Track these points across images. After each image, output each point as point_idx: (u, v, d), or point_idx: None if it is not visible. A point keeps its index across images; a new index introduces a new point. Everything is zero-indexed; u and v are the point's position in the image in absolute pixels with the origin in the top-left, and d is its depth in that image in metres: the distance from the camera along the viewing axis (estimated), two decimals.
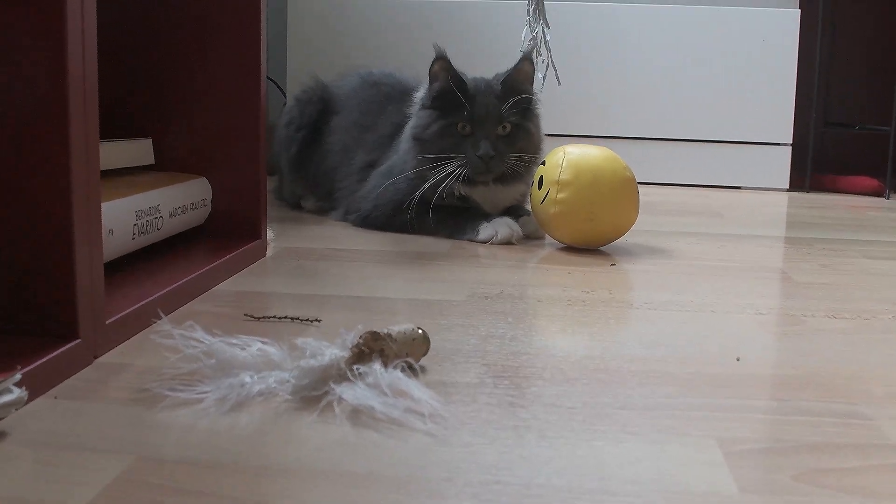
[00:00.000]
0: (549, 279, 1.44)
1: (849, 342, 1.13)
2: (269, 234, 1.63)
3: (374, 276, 1.42)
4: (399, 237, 1.77)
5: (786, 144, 2.81)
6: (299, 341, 0.92)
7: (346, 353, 0.91)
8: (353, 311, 1.21)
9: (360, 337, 0.93)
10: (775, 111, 2.79)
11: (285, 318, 1.16)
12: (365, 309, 1.22)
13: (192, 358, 0.92)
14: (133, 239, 1.26)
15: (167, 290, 1.17)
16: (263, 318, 1.16)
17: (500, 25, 2.78)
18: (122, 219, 1.23)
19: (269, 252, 1.57)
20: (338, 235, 1.78)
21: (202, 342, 0.93)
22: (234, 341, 0.94)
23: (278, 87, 3.12)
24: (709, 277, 1.49)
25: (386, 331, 0.95)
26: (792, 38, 2.76)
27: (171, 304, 1.18)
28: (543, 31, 2.15)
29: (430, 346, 0.99)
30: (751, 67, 2.78)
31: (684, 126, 2.82)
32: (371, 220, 1.82)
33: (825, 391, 0.94)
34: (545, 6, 2.16)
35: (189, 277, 1.25)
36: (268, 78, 3.20)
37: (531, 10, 2.15)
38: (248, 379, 0.89)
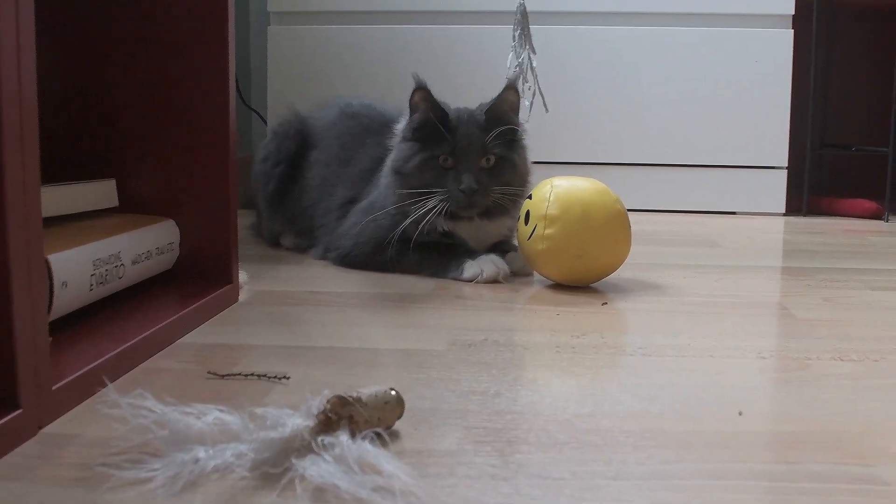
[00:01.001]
0: (536, 322, 1.36)
1: (858, 389, 1.05)
2: (243, 276, 1.55)
3: (351, 323, 1.34)
4: (380, 277, 1.69)
5: (781, 168, 2.73)
6: (259, 410, 0.83)
7: (311, 422, 0.83)
8: (325, 364, 1.13)
9: (327, 402, 0.85)
10: (770, 134, 2.72)
11: (252, 375, 1.08)
12: (338, 362, 1.14)
13: (143, 429, 0.83)
14: (91, 290, 1.18)
15: (125, 346, 1.09)
16: (228, 375, 1.08)
17: (486, 52, 2.70)
18: (78, 269, 1.15)
19: (241, 297, 1.49)
20: (316, 276, 1.70)
21: (153, 411, 0.85)
22: (189, 410, 0.85)
23: (262, 118, 3.05)
24: (706, 316, 1.41)
25: (355, 394, 0.87)
26: (785, 59, 2.69)
27: (129, 362, 1.10)
28: (529, 58, 2.08)
29: (406, 408, 0.91)
30: (744, 89, 2.71)
31: (676, 151, 2.74)
32: (351, 259, 1.74)
33: (837, 450, 0.86)
34: (531, 31, 2.09)
35: (151, 331, 1.16)
36: (252, 109, 3.14)
37: (516, 35, 2.08)
38: (202, 454, 0.81)
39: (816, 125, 2.86)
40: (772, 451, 0.86)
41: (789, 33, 2.68)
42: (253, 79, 3.41)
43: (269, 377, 1.07)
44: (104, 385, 0.97)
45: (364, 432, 0.83)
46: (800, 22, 2.71)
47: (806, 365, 1.14)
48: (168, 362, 1.14)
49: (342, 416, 0.84)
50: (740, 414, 0.96)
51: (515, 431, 0.90)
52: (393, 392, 0.89)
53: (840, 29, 3.12)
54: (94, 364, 1.01)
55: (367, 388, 0.88)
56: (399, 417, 0.90)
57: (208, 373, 1.08)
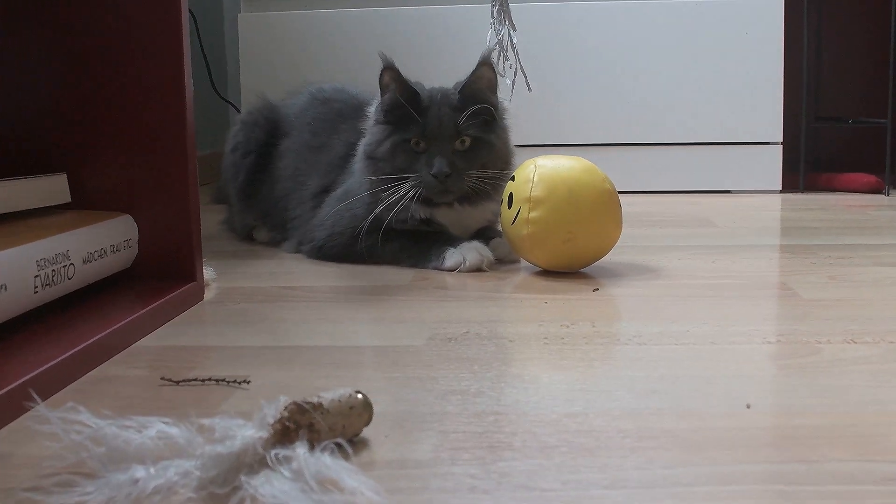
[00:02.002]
0: (523, 312, 1.27)
1: (876, 375, 0.96)
2: (209, 273, 1.45)
3: (324, 319, 1.24)
4: (357, 269, 1.59)
5: (776, 143, 2.63)
6: (206, 421, 0.74)
7: (265, 433, 0.73)
8: (291, 365, 1.03)
9: (284, 409, 0.75)
10: (763, 108, 2.61)
11: (209, 380, 0.98)
12: (306, 363, 1.04)
13: (77, 447, 0.73)
14: (35, 293, 1.08)
15: (70, 353, 0.99)
16: (183, 381, 0.98)
17: (465, 31, 2.60)
18: (19, 271, 1.05)
19: (207, 295, 1.39)
20: (289, 271, 1.59)
21: (88, 426, 0.75)
22: (129, 423, 0.76)
23: (235, 108, 2.95)
24: (705, 300, 1.31)
25: (316, 399, 0.77)
26: (777, 30, 2.58)
27: (74, 371, 1.00)
28: (510, 34, 1.97)
29: (376, 411, 0.81)
30: (735, 63, 2.61)
31: (666, 129, 2.65)
32: (326, 251, 1.64)
33: (860, 446, 0.76)
34: (510, 7, 1.98)
35: (102, 335, 1.07)
36: (226, 101, 3.04)
37: (495, 11, 1.97)
38: (142, 473, 0.71)
39: (811, 97, 2.76)
40: (786, 448, 0.77)
41: (780, 2, 2.58)
42: (229, 70, 3.31)
43: (229, 382, 0.97)
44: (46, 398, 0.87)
45: (326, 443, 0.73)
46: None
47: (817, 349, 1.05)
48: (119, 369, 1.04)
49: (301, 424, 0.74)
50: (748, 407, 0.86)
51: (498, 435, 0.80)
52: (359, 395, 0.80)
53: None
54: (32, 375, 0.91)
55: (330, 392, 0.79)
56: (367, 423, 0.81)
57: (162, 379, 0.98)
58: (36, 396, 0.79)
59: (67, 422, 0.75)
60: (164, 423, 0.75)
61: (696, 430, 0.80)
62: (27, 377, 0.90)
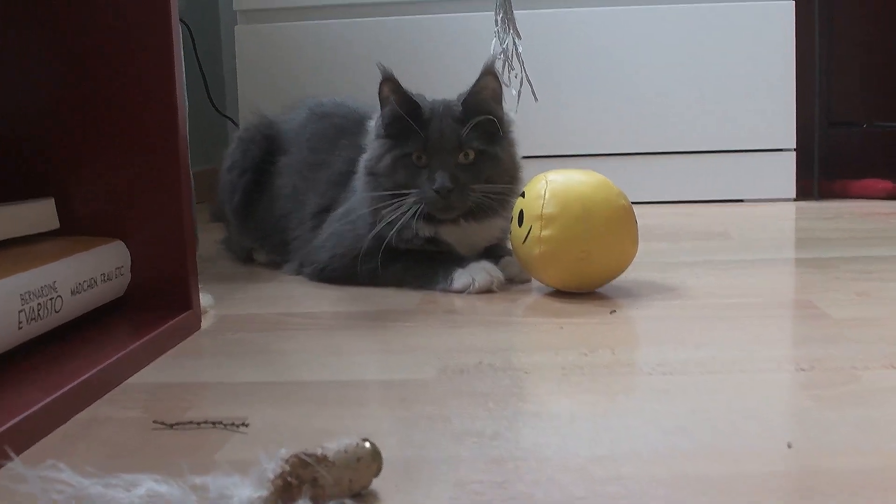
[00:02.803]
0: (537, 338, 1.20)
1: None
2: (207, 299, 1.39)
3: (326, 350, 1.18)
4: (360, 291, 1.52)
5: (789, 150, 2.56)
6: (199, 480, 0.67)
7: (264, 492, 0.66)
8: (292, 404, 0.96)
9: (285, 463, 0.68)
10: (775, 114, 2.54)
11: (205, 422, 0.91)
12: (308, 401, 0.97)
13: None
14: (20, 328, 1.01)
15: (55, 395, 0.92)
16: (178, 424, 0.91)
17: (468, 40, 2.53)
18: (1, 306, 0.98)
19: (204, 323, 1.32)
20: (290, 295, 1.53)
21: (70, 485, 0.68)
22: (115, 481, 0.69)
23: (233, 122, 2.88)
24: (729, 321, 1.24)
25: (320, 451, 0.70)
26: (788, 33, 2.51)
27: (61, 414, 0.93)
28: (514, 43, 1.91)
29: (385, 459, 0.75)
30: (745, 68, 2.54)
31: (677, 137, 2.57)
32: (328, 273, 1.57)
33: None
34: (514, 14, 1.92)
35: (92, 372, 1.00)
36: (225, 116, 2.98)
37: (499, 19, 1.91)
38: None
39: (823, 102, 2.68)
40: (837, 496, 0.69)
41: (790, 5, 2.51)
42: (226, 83, 3.25)
43: (225, 425, 0.90)
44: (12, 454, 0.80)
45: (331, 500, 0.67)
46: None
47: (854, 376, 0.98)
48: (111, 409, 0.97)
49: (304, 479, 0.68)
50: (789, 446, 0.79)
51: (519, 485, 0.73)
52: (367, 444, 0.73)
53: None
54: (13, 423, 0.84)
55: (335, 443, 0.72)
56: (376, 475, 0.74)
57: (154, 422, 0.92)
58: (11, 453, 0.72)
59: (47, 481, 0.68)
60: (154, 480, 0.68)
61: (737, 476, 0.73)
62: (7, 426, 0.83)
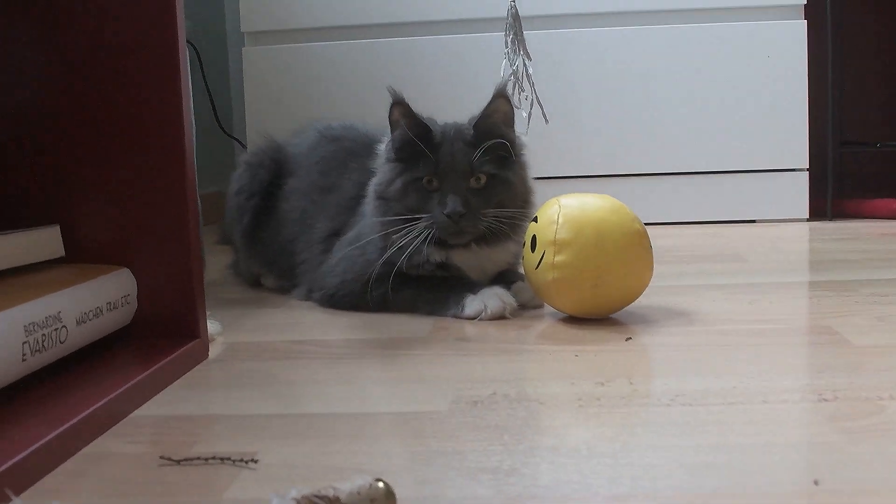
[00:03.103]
0: (552, 367, 1.17)
1: None
2: (215, 327, 1.37)
3: (336, 380, 1.15)
4: (371, 318, 1.50)
5: (802, 169, 2.54)
6: None
7: None
8: (303, 438, 0.94)
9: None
10: (787, 133, 2.52)
11: (213, 458, 0.88)
12: (319, 434, 0.95)
13: None
14: (23, 361, 0.99)
15: (61, 430, 0.90)
16: (185, 460, 0.88)
17: (477, 62, 2.52)
18: (4, 338, 0.96)
19: (212, 352, 1.30)
20: (300, 321, 1.50)
21: None
22: None
23: (241, 144, 2.87)
24: (748, 348, 1.21)
25: (332, 492, 0.68)
26: (799, 53, 2.50)
27: (66, 449, 0.91)
28: (524, 64, 1.89)
29: (399, 499, 0.72)
30: (757, 87, 2.52)
31: (688, 157, 2.55)
32: (338, 299, 1.55)
33: None
34: (524, 35, 1.90)
35: (97, 405, 0.98)
36: (233, 138, 2.96)
37: (509, 40, 1.89)
38: None
39: (836, 121, 2.65)
40: None
41: (802, 24, 2.49)
42: (234, 105, 3.24)
43: (234, 461, 0.88)
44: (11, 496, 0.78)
45: None
46: (812, 11, 2.53)
47: (880, 407, 0.95)
48: (117, 444, 0.95)
49: None
50: (816, 483, 0.76)
51: None
52: (380, 484, 0.71)
53: (855, 16, 2.92)
54: (16, 459, 0.82)
55: (347, 483, 0.69)
56: None
57: (161, 457, 0.89)
58: (10, 493, 0.70)
59: None
60: None
61: None
62: (9, 463, 0.80)
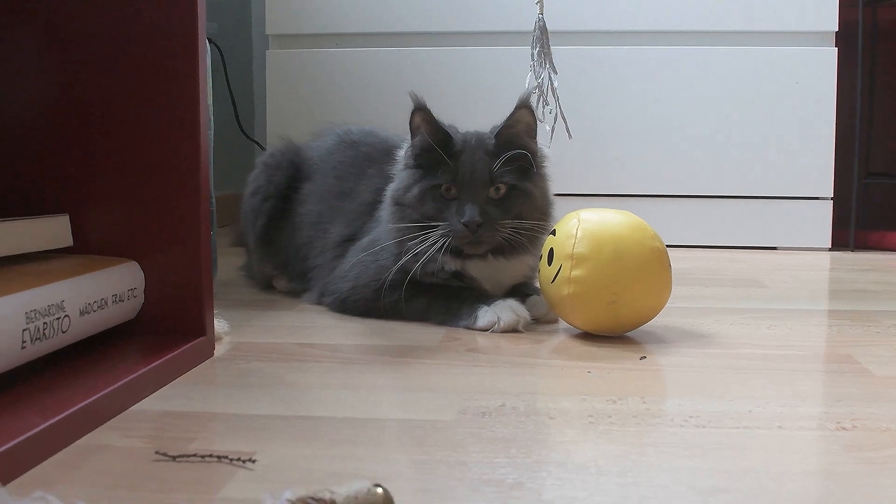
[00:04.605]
0: (564, 382, 1.14)
1: None
2: (221, 326, 1.34)
3: (342, 385, 1.12)
4: (381, 325, 1.47)
5: (826, 199, 2.50)
6: None
7: None
8: (303, 441, 0.91)
9: None
10: (813, 161, 2.49)
11: (210, 456, 0.86)
12: (319, 437, 0.92)
13: None
14: (23, 348, 0.97)
15: (55, 420, 0.88)
16: (181, 456, 0.86)
17: (501, 75, 2.50)
18: (4, 324, 0.94)
19: (217, 350, 1.27)
20: (309, 325, 1.48)
21: None
22: None
23: (261, 147, 2.85)
24: (765, 373, 1.18)
25: (329, 495, 0.65)
26: (829, 80, 2.46)
27: (61, 439, 0.89)
28: (550, 77, 1.87)
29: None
30: (784, 113, 2.48)
31: (711, 181, 2.52)
32: (350, 305, 1.53)
33: None
34: (551, 49, 1.88)
35: (94, 397, 0.96)
36: (253, 140, 2.94)
37: (535, 53, 1.87)
38: None
39: (863, 152, 2.62)
40: None
41: (833, 52, 2.46)
42: (256, 109, 3.23)
43: (232, 460, 0.85)
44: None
45: None
46: (843, 39, 2.49)
47: None
48: (112, 437, 0.93)
49: None
50: None
51: None
52: (378, 490, 0.68)
53: (886, 45, 2.89)
54: (5, 448, 0.79)
55: (345, 487, 0.67)
56: None
57: (156, 453, 0.87)
58: None
59: None
60: None
61: None
62: (6, 446, 0.78)
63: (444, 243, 1.42)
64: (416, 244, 1.42)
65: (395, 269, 1.45)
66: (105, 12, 1.20)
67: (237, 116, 2.79)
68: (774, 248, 2.52)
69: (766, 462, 0.86)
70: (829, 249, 2.51)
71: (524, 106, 1.48)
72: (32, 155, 1.24)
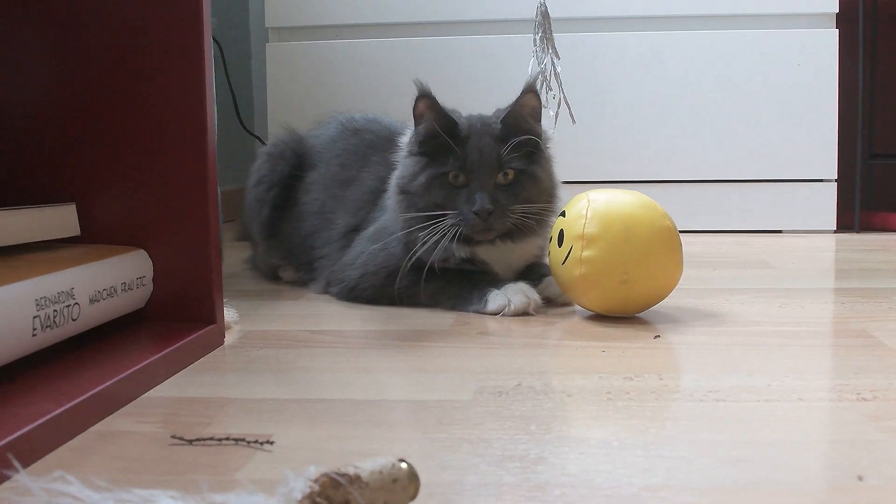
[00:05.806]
0: (578, 362, 1.13)
1: None
2: (231, 314, 1.34)
3: (356, 368, 1.12)
4: (390, 311, 1.46)
5: (830, 181, 2.50)
6: (219, 498, 0.61)
7: None
8: (321, 422, 0.90)
9: (314, 482, 0.62)
10: (816, 144, 2.48)
11: (227, 439, 0.85)
12: (338, 419, 0.91)
13: None
14: (34, 336, 0.96)
15: (69, 405, 0.87)
16: (197, 440, 0.85)
17: (502, 63, 2.49)
18: (15, 311, 0.93)
19: (227, 339, 1.26)
20: (318, 313, 1.47)
21: (79, 500, 0.63)
22: (128, 496, 0.63)
23: (262, 142, 2.84)
24: (780, 349, 1.18)
25: (353, 470, 0.64)
26: (831, 62, 2.45)
27: (75, 425, 0.88)
28: (553, 63, 1.86)
29: (421, 484, 0.68)
30: (787, 96, 2.47)
31: (714, 165, 2.51)
32: (358, 292, 1.52)
33: None
34: (553, 35, 1.87)
35: (107, 384, 0.95)
36: (253, 135, 2.94)
37: (537, 38, 1.86)
38: None
39: (866, 133, 2.61)
40: None
41: (834, 33, 2.45)
42: (256, 104, 3.22)
43: (249, 442, 0.84)
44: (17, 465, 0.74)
45: None
46: (845, 20, 2.48)
47: None
48: (127, 423, 0.92)
49: (334, 501, 0.62)
50: (860, 479, 0.72)
51: None
52: (403, 465, 0.67)
53: (888, 26, 2.88)
54: (19, 434, 0.79)
55: (369, 462, 0.66)
56: (413, 498, 0.67)
57: (172, 437, 0.86)
58: (16, 463, 0.67)
59: (53, 493, 0.63)
60: (170, 497, 0.63)
61: None
62: (11, 437, 0.77)
63: (455, 232, 1.41)
64: (427, 234, 1.41)
65: (408, 261, 1.44)
66: (113, 6, 1.20)
67: (237, 112, 2.78)
68: (779, 232, 2.51)
69: (788, 433, 0.85)
70: (834, 231, 2.50)
71: (531, 90, 1.46)
72: (39, 144, 1.23)
